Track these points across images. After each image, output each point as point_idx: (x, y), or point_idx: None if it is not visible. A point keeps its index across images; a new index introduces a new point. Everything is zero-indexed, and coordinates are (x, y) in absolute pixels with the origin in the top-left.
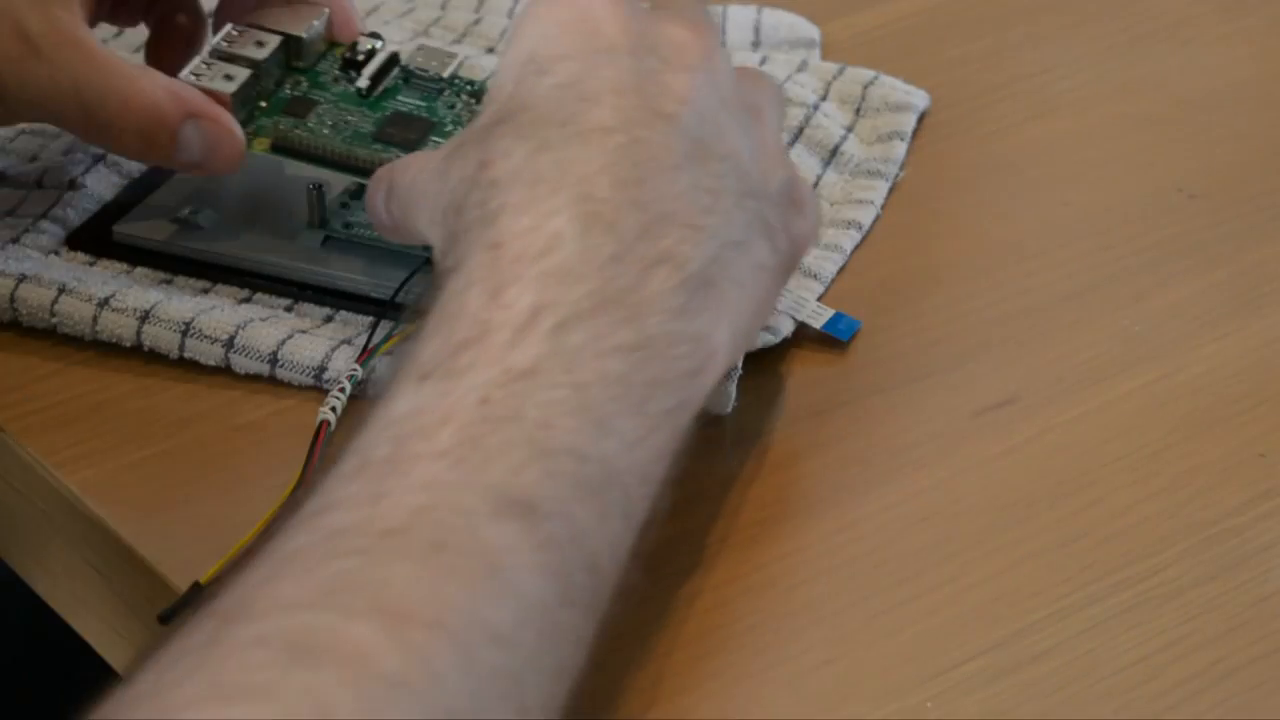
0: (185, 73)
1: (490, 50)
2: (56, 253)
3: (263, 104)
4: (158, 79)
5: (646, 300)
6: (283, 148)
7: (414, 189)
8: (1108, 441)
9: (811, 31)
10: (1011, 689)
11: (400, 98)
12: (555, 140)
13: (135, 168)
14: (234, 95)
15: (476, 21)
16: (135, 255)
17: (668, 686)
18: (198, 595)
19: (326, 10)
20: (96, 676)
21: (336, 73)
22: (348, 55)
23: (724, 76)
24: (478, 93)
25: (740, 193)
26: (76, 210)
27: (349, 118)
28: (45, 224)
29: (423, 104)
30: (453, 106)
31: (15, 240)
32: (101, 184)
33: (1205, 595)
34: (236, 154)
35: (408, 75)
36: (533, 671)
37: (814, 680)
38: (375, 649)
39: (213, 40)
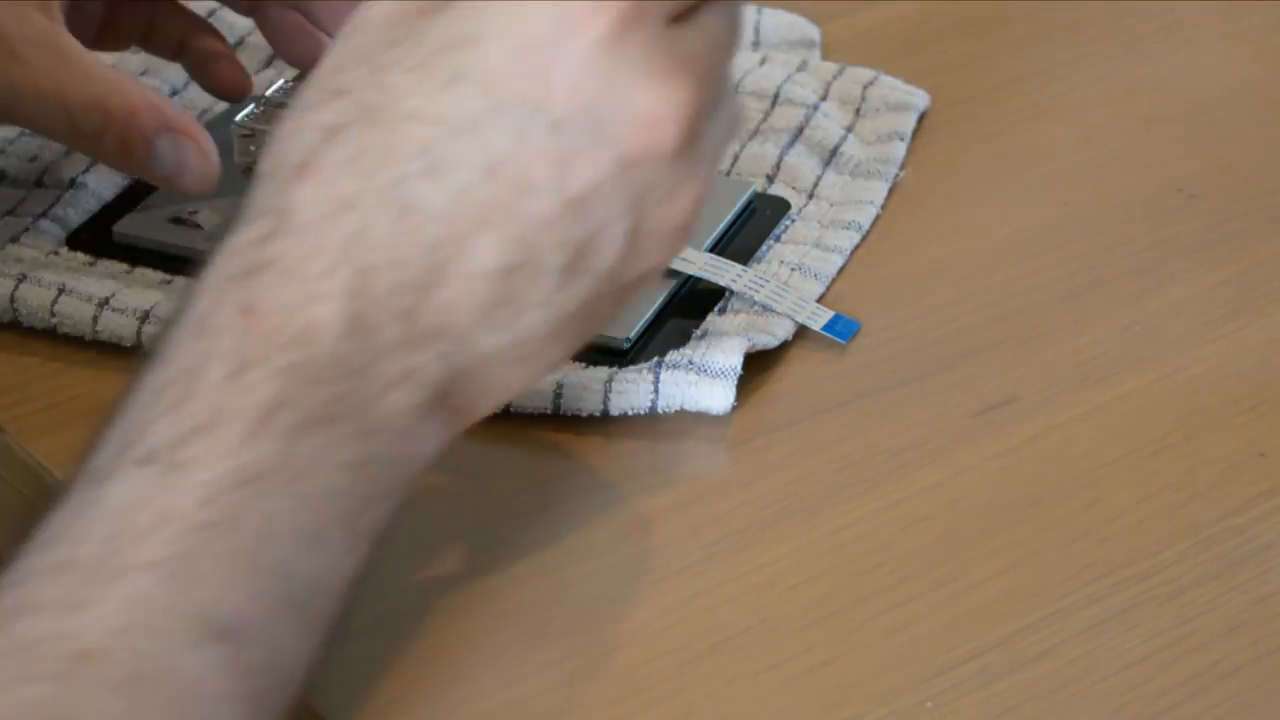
0: (239, 117)
1: None
2: (56, 253)
3: None
4: (140, 89)
5: (380, 419)
6: None
7: None
8: (1108, 441)
9: (811, 31)
10: (1011, 689)
11: None
12: (372, 206)
13: None
14: None
15: None
16: (135, 255)
17: (668, 686)
18: None
19: None
20: None
21: None
22: None
23: None
24: None
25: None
26: (76, 210)
27: None
28: (45, 224)
29: None
30: None
31: (15, 240)
32: (101, 184)
33: (1205, 595)
34: (208, 174)
35: None
36: None
37: (814, 680)
38: None
39: (267, 92)
